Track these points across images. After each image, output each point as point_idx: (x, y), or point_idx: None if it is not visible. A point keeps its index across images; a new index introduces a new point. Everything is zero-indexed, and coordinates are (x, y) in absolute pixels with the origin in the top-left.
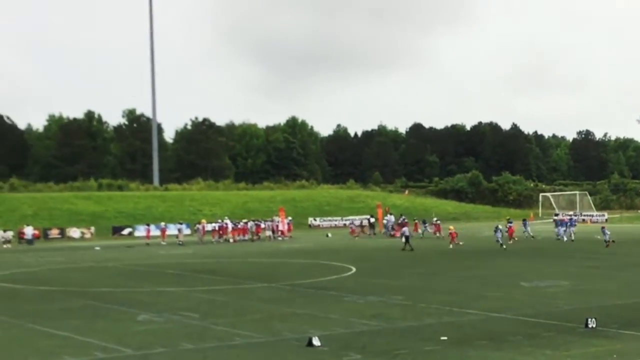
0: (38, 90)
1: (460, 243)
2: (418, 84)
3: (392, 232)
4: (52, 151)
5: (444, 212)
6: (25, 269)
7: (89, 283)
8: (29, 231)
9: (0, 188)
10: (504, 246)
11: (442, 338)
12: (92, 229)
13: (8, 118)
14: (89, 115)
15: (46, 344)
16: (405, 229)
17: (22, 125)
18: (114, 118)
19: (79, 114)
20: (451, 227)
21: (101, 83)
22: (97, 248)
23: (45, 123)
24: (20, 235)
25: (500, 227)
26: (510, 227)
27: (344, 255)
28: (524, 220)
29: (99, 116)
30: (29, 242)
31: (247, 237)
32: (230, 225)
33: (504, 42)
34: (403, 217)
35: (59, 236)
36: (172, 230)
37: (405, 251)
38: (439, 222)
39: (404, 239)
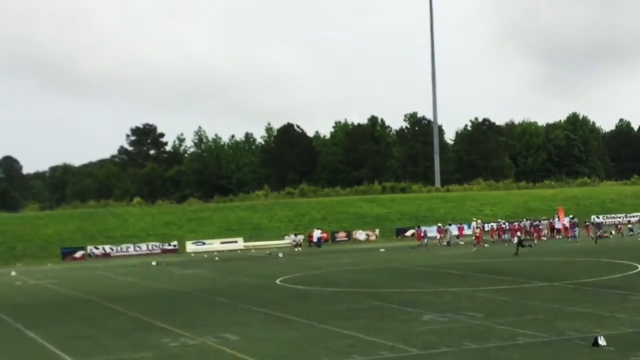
0: (325, 98)
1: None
2: None
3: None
4: (338, 157)
5: None
6: (314, 271)
7: (374, 284)
8: (316, 234)
9: (291, 194)
10: None
11: None
12: (377, 231)
13: (298, 126)
14: (373, 120)
15: (336, 344)
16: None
17: (310, 132)
18: (396, 122)
19: (363, 120)
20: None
21: (384, 88)
22: (382, 250)
23: (332, 130)
24: (309, 239)
25: None
26: None
27: (628, 253)
28: None
29: (382, 121)
30: (317, 244)
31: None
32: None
33: None
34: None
35: (346, 239)
36: (453, 230)
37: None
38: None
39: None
